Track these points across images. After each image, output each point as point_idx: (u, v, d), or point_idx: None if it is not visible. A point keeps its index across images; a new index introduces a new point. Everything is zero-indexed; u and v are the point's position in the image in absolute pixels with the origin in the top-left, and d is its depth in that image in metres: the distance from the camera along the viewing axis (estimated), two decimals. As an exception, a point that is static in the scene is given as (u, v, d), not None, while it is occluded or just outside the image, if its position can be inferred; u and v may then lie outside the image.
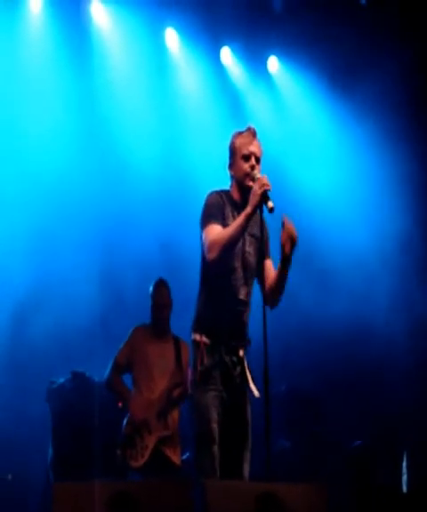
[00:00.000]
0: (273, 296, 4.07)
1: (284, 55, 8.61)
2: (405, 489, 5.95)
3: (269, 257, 4.21)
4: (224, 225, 3.99)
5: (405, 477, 5.94)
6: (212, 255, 3.91)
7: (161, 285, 5.76)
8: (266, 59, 8.66)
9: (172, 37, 8.22)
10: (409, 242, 8.11)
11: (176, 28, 8.19)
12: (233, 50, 8.49)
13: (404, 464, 6.01)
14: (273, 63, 8.71)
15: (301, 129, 8.61)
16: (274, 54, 8.66)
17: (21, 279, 7.23)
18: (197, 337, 4.00)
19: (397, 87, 8.02)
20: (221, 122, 7.94)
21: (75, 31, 7.64)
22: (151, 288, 5.76)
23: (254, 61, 8.57)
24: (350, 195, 8.39)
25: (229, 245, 3.91)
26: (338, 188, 8.34)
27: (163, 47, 8.19)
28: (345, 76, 8.31)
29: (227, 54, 8.51)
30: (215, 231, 3.94)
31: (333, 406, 7.51)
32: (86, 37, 7.79)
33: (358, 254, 8.11)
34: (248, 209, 3.87)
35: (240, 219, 3.89)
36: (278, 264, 4.02)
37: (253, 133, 4.13)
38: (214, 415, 3.89)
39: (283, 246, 3.92)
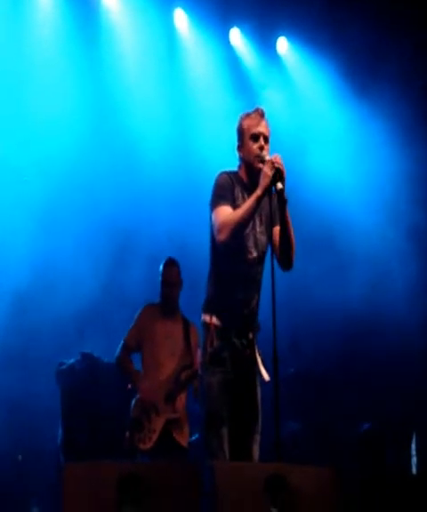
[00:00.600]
0: (283, 253, 3.98)
1: (293, 36, 8.55)
2: (414, 471, 5.96)
3: (278, 224, 4.10)
4: (234, 206, 3.96)
5: (414, 459, 5.95)
6: (221, 237, 3.87)
7: (171, 264, 5.73)
8: (275, 39, 8.61)
9: (181, 18, 8.18)
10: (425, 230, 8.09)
11: (185, 9, 8.15)
12: (243, 31, 8.45)
13: (413, 446, 6.02)
14: (283, 44, 8.65)
15: (310, 110, 8.56)
16: (283, 35, 8.60)
17: (30, 261, 7.23)
18: (208, 318, 3.98)
19: (410, 68, 7.95)
20: (230, 103, 7.90)
21: (83, 11, 7.61)
22: (161, 267, 5.75)
23: (264, 42, 8.53)
24: (363, 179, 8.34)
25: (240, 227, 3.88)
26: (349, 172, 8.30)
27: (172, 28, 8.16)
28: (355, 56, 8.25)
29: (236, 35, 8.46)
30: (225, 213, 3.91)
31: (342, 389, 7.52)
32: (95, 18, 7.76)
33: (375, 241, 8.08)
34: (259, 191, 3.84)
35: (251, 201, 3.85)
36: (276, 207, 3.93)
37: (261, 114, 4.09)
38: (224, 397, 3.89)
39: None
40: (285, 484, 3.37)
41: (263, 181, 3.83)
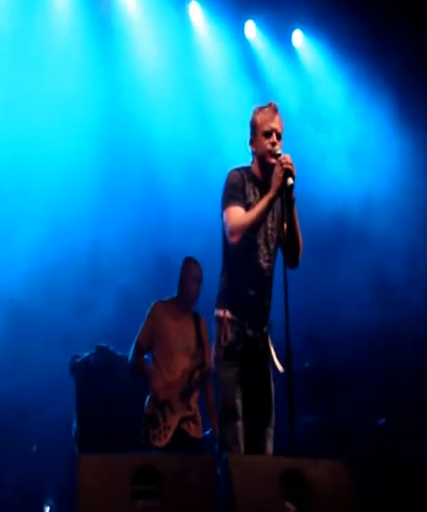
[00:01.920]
0: (289, 251, 3.98)
1: (308, 29, 8.51)
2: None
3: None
4: (246, 204, 3.95)
5: (430, 454, 5.94)
6: (234, 239, 3.88)
7: (192, 261, 5.72)
8: (291, 32, 8.57)
9: (195, 11, 8.15)
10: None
11: (200, 1, 8.11)
12: (257, 23, 8.41)
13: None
14: (298, 37, 8.61)
15: (325, 103, 8.53)
16: (299, 28, 8.56)
17: (48, 250, 7.24)
18: (221, 313, 3.98)
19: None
20: (244, 96, 7.88)
21: (98, 4, 7.59)
22: (182, 264, 5.73)
23: (279, 35, 8.49)
24: (375, 171, 8.31)
25: (252, 229, 3.89)
26: (361, 164, 8.26)
27: (187, 20, 8.13)
28: (371, 50, 8.19)
29: (251, 28, 8.42)
30: (237, 214, 3.90)
31: (357, 383, 7.50)
32: (110, 11, 7.74)
33: (389, 233, 8.05)
34: (271, 193, 3.83)
35: (263, 203, 3.84)
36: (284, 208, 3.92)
37: (274, 109, 4.06)
38: (238, 391, 3.88)
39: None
40: (300, 478, 3.36)
41: (275, 183, 3.82)
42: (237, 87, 8.12)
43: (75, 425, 6.35)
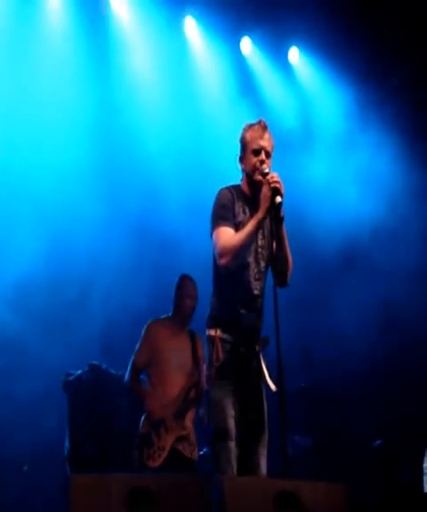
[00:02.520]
0: (278, 270, 3.95)
1: (305, 46, 8.52)
2: (426, 488, 5.88)
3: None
4: (235, 223, 3.95)
5: (426, 477, 5.87)
6: (223, 261, 3.88)
7: (187, 278, 5.70)
8: (287, 49, 8.58)
9: (191, 26, 8.15)
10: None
11: (195, 17, 8.11)
12: (253, 39, 8.41)
13: (425, 464, 5.94)
14: (294, 53, 8.62)
15: (321, 120, 8.53)
16: (295, 45, 8.57)
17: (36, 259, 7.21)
18: (213, 332, 3.96)
19: (421, 78, 7.92)
20: (239, 112, 7.87)
21: (94, 19, 7.60)
22: (178, 281, 5.70)
23: (275, 51, 8.49)
24: (369, 187, 8.30)
25: (241, 250, 3.89)
26: (358, 180, 8.26)
27: (182, 36, 8.13)
28: (368, 67, 8.20)
29: (247, 44, 8.43)
30: (226, 235, 3.90)
31: (353, 404, 7.46)
32: (105, 25, 7.75)
33: (389, 247, 8.03)
34: (259, 214, 3.84)
35: (251, 224, 3.85)
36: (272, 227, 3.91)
37: (263, 127, 4.07)
38: (231, 411, 3.86)
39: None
40: (295, 500, 3.30)
41: (263, 204, 3.83)
42: (233, 103, 8.11)
43: (67, 443, 6.29)
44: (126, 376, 5.59)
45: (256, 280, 3.99)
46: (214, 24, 8.02)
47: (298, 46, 8.57)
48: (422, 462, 5.99)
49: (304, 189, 7.69)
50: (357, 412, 7.39)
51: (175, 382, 5.46)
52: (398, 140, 8.21)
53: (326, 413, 7.37)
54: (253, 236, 3.89)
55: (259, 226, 3.86)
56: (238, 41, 8.37)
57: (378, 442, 6.97)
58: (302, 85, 8.69)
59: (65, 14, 7.52)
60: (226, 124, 7.73)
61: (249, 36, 8.39)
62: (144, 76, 7.83)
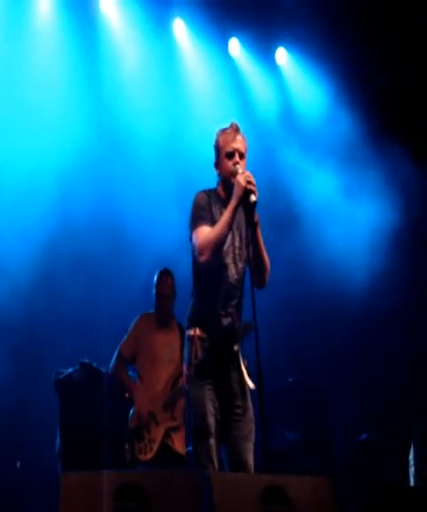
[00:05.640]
0: (255, 272, 3.96)
1: (292, 46, 8.56)
2: (412, 481, 5.96)
3: None
4: (213, 223, 3.98)
5: (412, 470, 5.96)
6: (204, 257, 3.91)
7: (165, 275, 5.73)
8: (274, 50, 8.62)
9: (180, 28, 8.18)
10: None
11: (184, 19, 8.15)
12: (241, 41, 8.45)
13: (411, 456, 6.03)
14: (282, 54, 8.67)
15: (308, 122, 8.57)
16: (282, 46, 8.61)
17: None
18: (192, 331, 4.02)
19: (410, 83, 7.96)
20: (228, 113, 7.89)
21: (82, 21, 7.61)
22: (155, 277, 5.75)
23: (263, 52, 8.53)
24: (359, 192, 8.35)
25: (220, 243, 3.92)
26: (347, 185, 8.29)
27: (171, 37, 8.16)
28: (355, 68, 8.25)
29: (235, 45, 8.47)
30: (204, 233, 3.95)
31: (340, 398, 7.52)
32: (94, 27, 7.76)
33: (373, 248, 8.08)
34: (233, 201, 3.88)
35: (227, 213, 3.90)
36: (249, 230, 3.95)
37: (235, 129, 4.11)
38: (210, 408, 3.90)
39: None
40: (282, 495, 3.37)
41: (238, 191, 3.88)
42: (221, 104, 8.14)
43: (58, 441, 6.33)
44: (111, 364, 5.65)
45: (235, 280, 4.04)
46: (203, 26, 8.05)
47: (285, 47, 8.61)
48: (408, 455, 6.07)
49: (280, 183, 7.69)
50: (344, 407, 7.45)
51: (164, 375, 5.51)
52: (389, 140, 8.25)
53: (314, 407, 7.43)
54: (229, 226, 3.89)
55: (234, 214, 3.89)
56: (227, 42, 8.41)
57: (364, 435, 7.05)
58: (290, 86, 8.73)
59: (54, 17, 7.53)
60: (214, 124, 7.76)
61: (237, 36, 8.43)
62: (133, 78, 7.84)
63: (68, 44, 7.55)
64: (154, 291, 5.72)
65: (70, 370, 6.54)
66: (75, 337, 7.24)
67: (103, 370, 6.43)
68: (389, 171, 8.09)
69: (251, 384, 3.98)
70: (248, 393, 4.02)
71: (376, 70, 8.20)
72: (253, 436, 4.00)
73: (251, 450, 3.99)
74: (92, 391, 6.38)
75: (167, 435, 5.42)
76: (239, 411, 3.98)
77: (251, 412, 4.02)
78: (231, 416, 3.96)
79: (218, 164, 4.12)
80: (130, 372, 5.77)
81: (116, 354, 5.65)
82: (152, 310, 5.77)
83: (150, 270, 6.88)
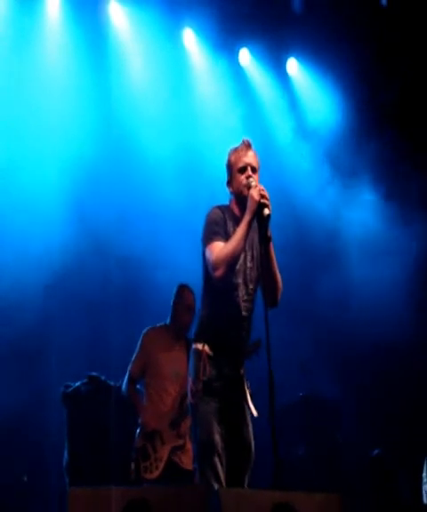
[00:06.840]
0: (267, 290, 3.93)
1: (303, 57, 8.55)
2: (425, 499, 5.88)
3: None
4: (227, 240, 3.93)
5: (425, 487, 5.87)
6: (218, 272, 3.86)
7: (186, 288, 5.71)
8: (285, 60, 8.61)
9: (190, 38, 8.18)
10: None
11: (194, 29, 8.15)
12: (252, 51, 8.44)
13: (424, 473, 5.94)
14: (292, 65, 8.65)
15: (319, 132, 8.55)
16: (293, 56, 8.60)
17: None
18: (200, 346, 3.96)
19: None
20: (238, 123, 7.89)
21: (92, 31, 7.61)
22: (175, 291, 5.72)
23: (274, 63, 8.51)
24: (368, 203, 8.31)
25: (235, 257, 3.88)
26: (356, 196, 8.27)
27: (181, 48, 8.15)
28: (366, 79, 8.23)
29: (245, 55, 8.46)
30: (218, 248, 3.90)
31: (352, 414, 7.45)
32: (104, 37, 7.75)
33: (382, 263, 8.03)
34: (247, 216, 3.85)
35: (241, 228, 3.86)
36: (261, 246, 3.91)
37: (247, 145, 4.10)
38: (216, 426, 3.86)
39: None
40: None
41: (251, 205, 3.85)
42: (232, 114, 8.13)
43: (65, 455, 6.28)
44: (123, 386, 5.61)
45: (245, 301, 4.00)
46: (213, 36, 8.04)
47: (296, 57, 8.60)
48: (421, 472, 5.99)
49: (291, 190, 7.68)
50: (355, 422, 7.39)
51: (171, 392, 5.47)
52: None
53: (324, 424, 7.36)
54: (243, 241, 3.86)
55: (248, 228, 3.86)
56: (237, 52, 8.40)
57: (376, 451, 6.97)
58: (301, 96, 8.71)
59: (64, 26, 7.53)
60: (224, 135, 7.75)
61: (247, 47, 8.42)
62: (143, 88, 7.84)
63: (78, 52, 7.55)
64: (173, 303, 5.68)
65: (78, 383, 6.50)
66: (84, 350, 7.20)
67: (111, 383, 6.39)
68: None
69: (254, 411, 3.95)
70: (249, 418, 3.97)
71: (386, 82, 8.16)
72: (252, 458, 3.95)
73: (248, 472, 3.93)
74: (100, 404, 6.34)
75: (173, 453, 5.37)
76: (241, 431, 3.93)
77: (251, 434, 3.96)
78: (233, 435, 3.90)
79: (230, 182, 4.09)
80: (137, 386, 5.72)
81: (126, 376, 5.62)
82: (159, 324, 5.73)
83: (160, 283, 6.89)
